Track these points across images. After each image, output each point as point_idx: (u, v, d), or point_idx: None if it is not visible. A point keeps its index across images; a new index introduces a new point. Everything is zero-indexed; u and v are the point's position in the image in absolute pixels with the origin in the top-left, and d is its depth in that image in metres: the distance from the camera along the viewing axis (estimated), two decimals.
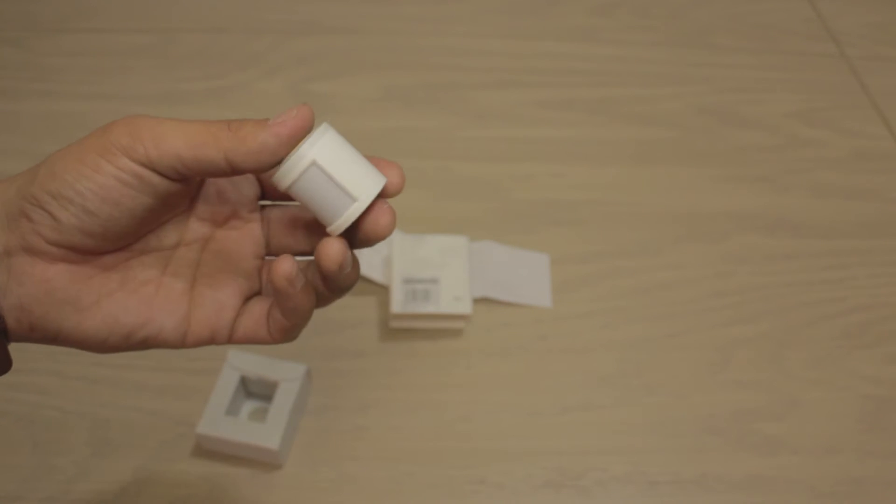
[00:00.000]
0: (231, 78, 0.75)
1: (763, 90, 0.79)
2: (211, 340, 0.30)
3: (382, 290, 0.57)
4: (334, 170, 0.27)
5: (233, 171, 0.27)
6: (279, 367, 0.48)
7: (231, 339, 0.30)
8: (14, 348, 0.28)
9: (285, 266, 0.27)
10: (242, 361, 0.48)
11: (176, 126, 0.26)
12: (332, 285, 0.29)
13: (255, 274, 0.31)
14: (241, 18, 0.83)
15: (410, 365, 0.53)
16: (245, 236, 0.31)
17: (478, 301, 0.57)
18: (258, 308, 0.30)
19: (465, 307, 0.53)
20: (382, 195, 0.29)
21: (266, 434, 0.46)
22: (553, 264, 0.60)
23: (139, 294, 0.29)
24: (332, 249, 0.27)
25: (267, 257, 0.32)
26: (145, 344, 0.29)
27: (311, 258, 0.30)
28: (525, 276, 0.59)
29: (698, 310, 0.58)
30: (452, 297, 0.54)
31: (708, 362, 0.55)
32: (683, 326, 0.57)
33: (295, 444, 0.49)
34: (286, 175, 0.27)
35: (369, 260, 0.57)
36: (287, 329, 0.30)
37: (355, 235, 0.29)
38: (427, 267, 0.56)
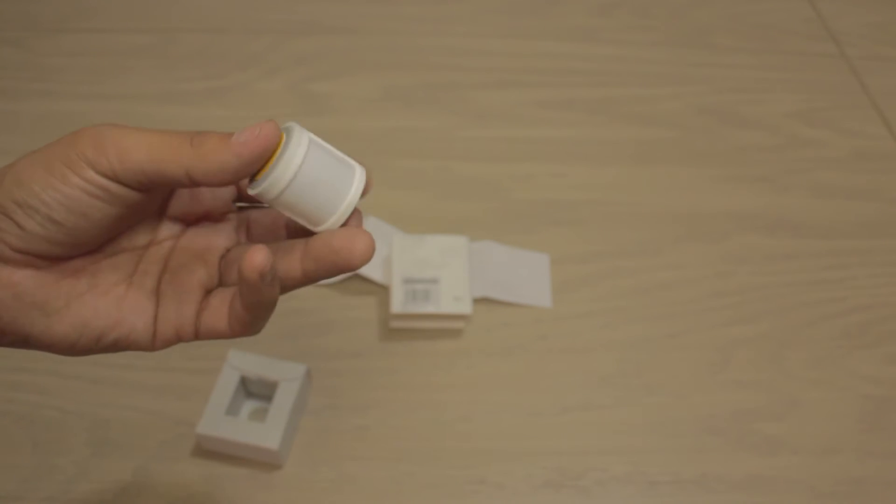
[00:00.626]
0: (231, 78, 0.75)
1: (763, 90, 0.79)
2: (177, 339, 0.29)
3: (382, 290, 0.57)
4: (322, 167, 0.27)
5: (195, 185, 0.26)
6: (279, 367, 0.48)
7: (196, 336, 0.30)
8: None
9: (259, 258, 0.26)
10: (242, 361, 0.48)
11: (140, 138, 0.26)
12: (323, 276, 0.29)
13: (216, 264, 0.30)
14: (241, 18, 0.83)
15: (410, 365, 0.53)
16: (216, 234, 0.31)
17: (478, 301, 0.57)
18: (218, 302, 0.29)
19: (465, 307, 0.53)
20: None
21: (266, 434, 0.46)
22: (553, 264, 0.60)
23: (109, 296, 0.28)
24: (364, 242, 0.27)
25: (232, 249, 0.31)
26: (116, 346, 0.29)
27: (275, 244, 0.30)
28: (525, 276, 0.59)
29: (698, 310, 0.58)
30: (452, 297, 0.54)
31: (708, 362, 0.55)
32: (683, 326, 0.57)
33: (295, 444, 0.48)
34: (269, 190, 0.26)
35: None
36: (247, 323, 0.29)
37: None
38: (427, 267, 0.56)
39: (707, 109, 0.76)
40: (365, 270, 0.57)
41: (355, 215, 0.28)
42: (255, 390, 0.50)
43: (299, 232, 0.31)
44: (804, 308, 0.59)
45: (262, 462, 0.47)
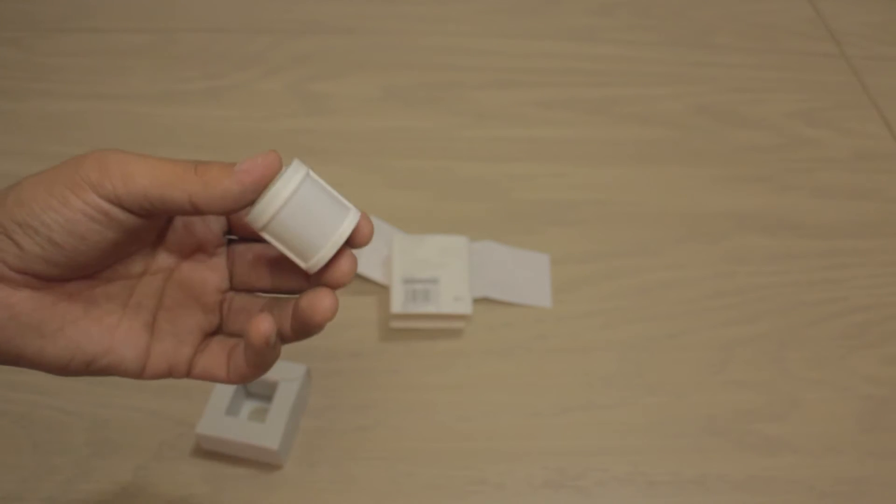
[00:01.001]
0: (231, 77, 0.75)
1: (763, 90, 0.79)
2: (168, 374, 0.30)
3: (382, 290, 0.57)
4: (316, 200, 0.28)
5: (197, 212, 0.27)
6: (279, 367, 0.48)
7: (189, 375, 0.31)
8: None
9: (265, 326, 0.27)
10: None
11: (144, 163, 0.26)
12: (305, 335, 0.30)
13: (216, 308, 0.31)
14: (241, 18, 0.83)
15: (410, 365, 0.53)
16: (209, 269, 0.31)
17: (478, 301, 0.57)
18: (218, 348, 0.31)
19: (465, 307, 0.53)
20: (353, 243, 0.29)
21: (266, 434, 0.46)
22: (553, 264, 0.60)
23: (103, 323, 0.29)
24: (327, 302, 0.28)
25: (229, 292, 0.32)
26: (106, 371, 0.29)
27: (276, 296, 0.31)
28: (525, 276, 0.59)
29: (698, 310, 0.58)
30: (452, 298, 0.54)
31: (708, 362, 0.55)
32: (684, 326, 0.57)
33: (295, 444, 0.48)
34: (261, 215, 0.27)
35: (368, 259, 0.57)
36: (246, 375, 0.30)
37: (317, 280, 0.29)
38: (427, 267, 0.55)
39: (707, 109, 0.76)
40: (365, 270, 0.57)
41: (347, 259, 0.29)
42: (255, 390, 0.50)
43: (282, 273, 0.31)
44: (804, 308, 0.59)
45: (262, 462, 0.47)
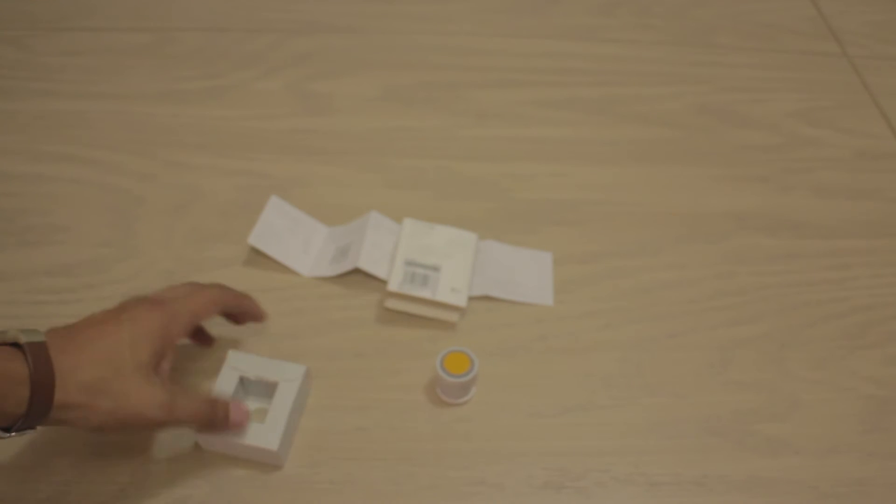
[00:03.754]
0: (230, 77, 0.75)
1: (764, 89, 0.79)
2: None
3: (383, 291, 0.57)
4: None
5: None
6: (278, 368, 0.48)
7: None
8: None
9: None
10: (242, 362, 0.48)
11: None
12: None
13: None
14: (241, 17, 0.83)
15: (410, 365, 0.53)
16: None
17: (478, 301, 0.57)
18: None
19: (459, 299, 0.53)
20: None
21: (265, 435, 0.45)
22: (553, 264, 0.60)
23: None
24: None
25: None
26: None
27: None
28: (528, 274, 0.59)
29: (699, 310, 0.58)
30: (450, 288, 0.54)
31: (709, 363, 0.55)
32: (684, 326, 0.57)
33: (295, 445, 0.48)
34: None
35: (370, 255, 0.57)
36: None
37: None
38: (431, 254, 0.56)
39: (708, 109, 0.76)
40: (367, 266, 0.56)
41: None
42: (255, 390, 0.50)
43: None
44: (805, 308, 0.59)
45: (262, 462, 0.47)
